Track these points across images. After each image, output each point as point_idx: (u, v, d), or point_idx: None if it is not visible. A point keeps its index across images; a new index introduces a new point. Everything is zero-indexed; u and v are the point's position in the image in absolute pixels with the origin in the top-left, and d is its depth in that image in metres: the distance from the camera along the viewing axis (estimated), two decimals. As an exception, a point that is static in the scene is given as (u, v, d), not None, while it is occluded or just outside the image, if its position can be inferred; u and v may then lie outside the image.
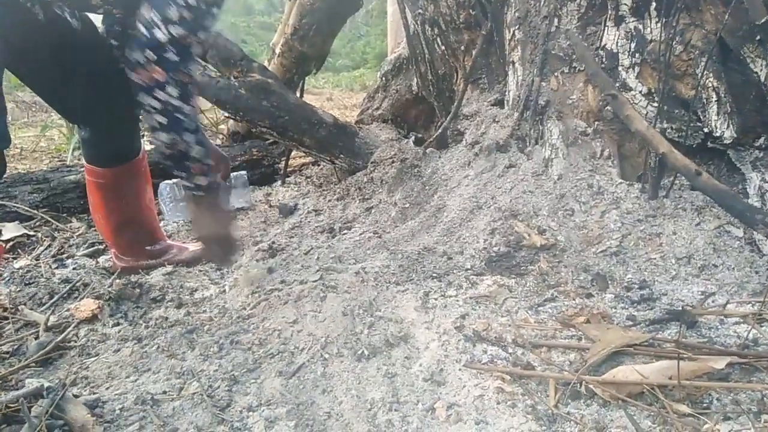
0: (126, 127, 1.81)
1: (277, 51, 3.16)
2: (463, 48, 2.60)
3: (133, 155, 1.85)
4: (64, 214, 2.49)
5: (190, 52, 1.39)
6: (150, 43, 1.33)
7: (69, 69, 1.60)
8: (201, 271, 1.93)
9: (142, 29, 1.33)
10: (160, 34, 1.32)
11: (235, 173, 1.78)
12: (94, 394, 1.24)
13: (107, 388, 1.26)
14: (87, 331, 1.53)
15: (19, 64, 1.54)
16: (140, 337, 1.49)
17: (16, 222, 2.34)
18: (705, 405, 1.08)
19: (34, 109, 5.03)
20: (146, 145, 2.01)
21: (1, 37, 1.37)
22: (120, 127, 1.79)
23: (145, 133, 2.24)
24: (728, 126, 1.80)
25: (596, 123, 2.07)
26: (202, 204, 1.57)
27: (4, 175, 1.42)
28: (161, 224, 2.14)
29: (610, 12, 2.00)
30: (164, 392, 1.23)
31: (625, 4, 1.96)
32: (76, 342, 1.48)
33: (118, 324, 1.59)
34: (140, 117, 1.79)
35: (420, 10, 2.59)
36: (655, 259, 1.67)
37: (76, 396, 1.21)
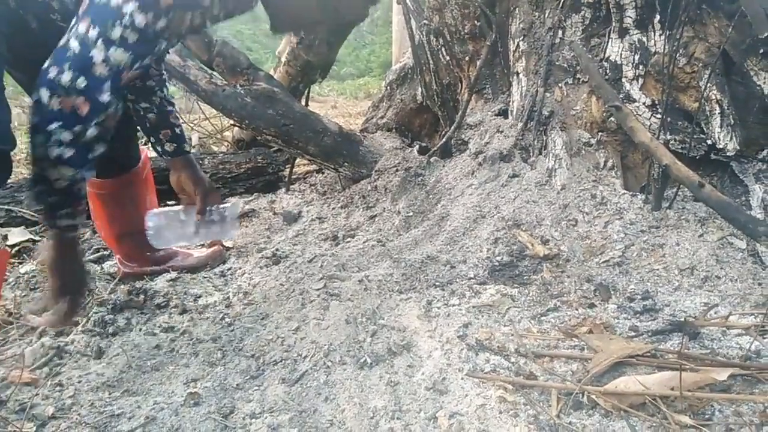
0: (124, 138, 1.79)
1: (283, 59, 3.18)
2: (467, 58, 2.61)
3: (132, 165, 1.87)
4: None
5: (121, 92, 1.21)
6: (81, 64, 1.13)
7: None
8: (205, 277, 1.94)
9: (74, 43, 1.14)
10: (96, 53, 1.13)
11: (224, 204, 1.77)
12: (97, 399, 1.25)
13: (110, 394, 1.27)
14: (90, 337, 1.54)
15: (17, 73, 1.52)
16: (144, 343, 1.49)
17: (22, 227, 2.35)
18: (707, 416, 1.08)
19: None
20: (148, 152, 2.03)
21: None
22: (118, 138, 1.78)
23: (145, 141, 2.24)
24: (731, 138, 1.80)
25: (600, 134, 2.08)
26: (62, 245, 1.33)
27: (9, 180, 1.41)
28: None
29: (614, 24, 2.02)
30: (167, 398, 1.23)
31: (629, 17, 1.97)
32: (79, 347, 1.49)
33: (122, 330, 1.60)
34: (137, 127, 1.80)
35: (425, 21, 2.60)
36: (657, 269, 1.67)
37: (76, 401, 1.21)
